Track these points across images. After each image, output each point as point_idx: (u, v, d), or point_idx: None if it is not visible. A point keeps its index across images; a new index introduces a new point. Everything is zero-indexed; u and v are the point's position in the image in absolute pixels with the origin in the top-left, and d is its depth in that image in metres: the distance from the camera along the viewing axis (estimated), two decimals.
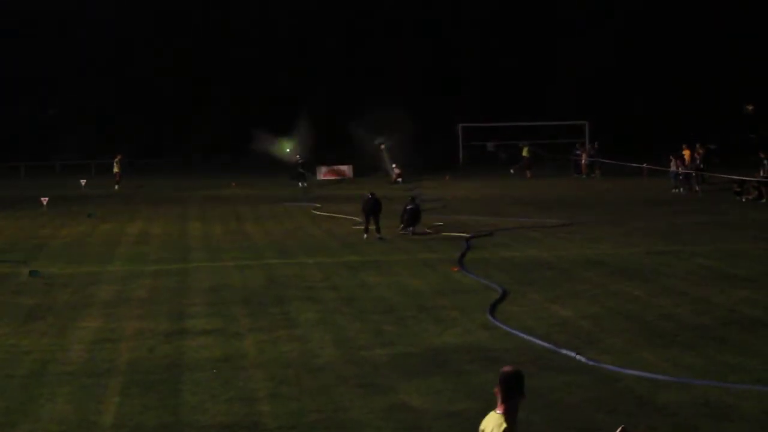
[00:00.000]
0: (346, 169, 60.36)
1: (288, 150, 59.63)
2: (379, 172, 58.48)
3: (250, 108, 75.14)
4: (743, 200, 39.32)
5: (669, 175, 45.83)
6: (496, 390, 6.94)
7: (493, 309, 18.38)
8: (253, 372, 14.45)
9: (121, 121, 76.00)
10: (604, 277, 21.85)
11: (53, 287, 21.85)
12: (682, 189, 44.24)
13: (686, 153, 46.35)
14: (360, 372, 14.32)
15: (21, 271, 23.97)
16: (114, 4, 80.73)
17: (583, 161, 57.00)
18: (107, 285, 22.13)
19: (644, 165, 49.77)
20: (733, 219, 33.25)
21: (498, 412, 6.90)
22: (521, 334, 16.30)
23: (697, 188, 43.71)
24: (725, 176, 43.36)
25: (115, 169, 54.25)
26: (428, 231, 30.93)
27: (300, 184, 53.95)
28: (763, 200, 38.56)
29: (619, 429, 6.86)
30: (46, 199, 40.70)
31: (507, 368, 7.01)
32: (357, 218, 33.34)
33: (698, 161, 45.48)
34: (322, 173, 59.47)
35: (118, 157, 54.68)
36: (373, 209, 29.43)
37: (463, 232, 29.99)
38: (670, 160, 45.82)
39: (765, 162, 41.42)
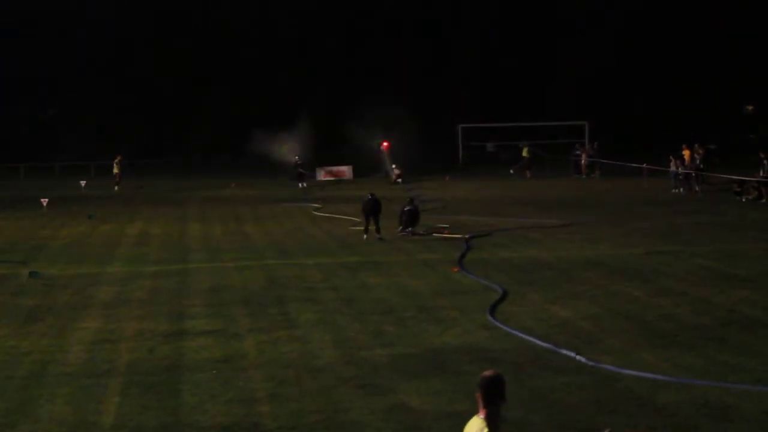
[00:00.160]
0: (345, 169, 60.35)
1: (284, 150, 59.59)
2: (379, 172, 58.52)
3: (250, 108, 75.19)
4: (743, 200, 39.32)
5: (669, 176, 45.83)
6: (477, 395, 6.90)
7: (493, 309, 18.38)
8: (252, 373, 14.45)
9: (121, 121, 76.03)
10: (603, 278, 21.85)
11: (53, 288, 21.85)
12: (681, 189, 44.25)
13: (686, 153, 46.36)
14: (360, 373, 14.32)
15: (21, 272, 23.97)
16: (114, 4, 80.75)
17: (582, 161, 57.02)
18: (107, 286, 22.13)
19: (644, 165, 49.75)
20: (732, 219, 33.25)
21: (480, 416, 6.86)
22: (521, 335, 16.30)
23: (696, 188, 43.72)
24: (725, 176, 43.37)
25: (115, 170, 54.28)
26: (444, 228, 31.06)
27: (300, 184, 53.97)
28: (763, 200, 38.56)
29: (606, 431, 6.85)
30: (46, 200, 40.72)
31: (488, 373, 6.96)
32: (356, 219, 33.36)
33: (698, 161, 45.49)
34: (322, 174, 59.47)
35: (118, 158, 54.72)
36: (373, 210, 29.43)
37: (461, 233, 29.98)
38: (670, 161, 45.84)
39: (765, 162, 41.43)
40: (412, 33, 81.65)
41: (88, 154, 67.59)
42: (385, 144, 61.10)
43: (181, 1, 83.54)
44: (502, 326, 16.99)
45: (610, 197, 42.49)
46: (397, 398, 13.03)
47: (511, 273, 22.72)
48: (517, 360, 14.82)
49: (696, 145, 46.58)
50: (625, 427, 11.76)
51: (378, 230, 29.26)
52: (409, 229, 30.25)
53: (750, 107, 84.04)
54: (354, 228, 32.20)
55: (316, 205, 40.73)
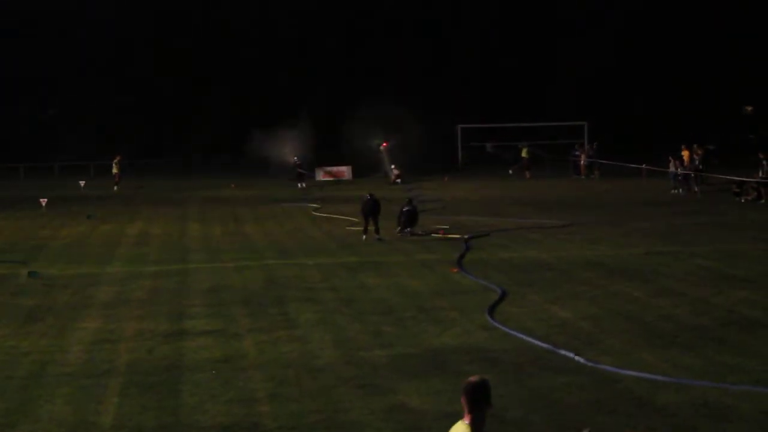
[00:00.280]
0: (345, 169, 60.35)
1: (285, 151, 59.64)
2: (379, 172, 58.53)
3: (250, 108, 75.18)
4: (742, 201, 39.33)
5: (668, 176, 45.85)
6: (463, 400, 6.89)
7: (492, 310, 18.39)
8: (252, 373, 14.46)
9: (121, 121, 76.01)
10: (603, 278, 21.86)
11: (53, 288, 21.86)
12: (680, 190, 44.26)
13: (685, 154, 46.37)
14: (360, 373, 14.33)
15: (20, 272, 23.98)
16: (114, 4, 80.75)
17: (582, 162, 57.02)
18: (107, 286, 22.14)
19: (643, 166, 49.79)
20: (732, 220, 33.26)
21: (465, 422, 6.85)
22: (520, 335, 16.31)
23: (695, 189, 43.73)
24: (724, 177, 43.38)
25: (114, 170, 54.30)
26: (440, 229, 31.06)
27: (299, 184, 54.03)
28: (762, 201, 38.57)
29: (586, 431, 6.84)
30: (45, 200, 40.73)
31: (473, 378, 6.94)
32: (355, 219, 33.38)
33: (697, 162, 45.50)
34: (321, 174, 59.47)
35: (117, 158, 54.74)
36: (372, 210, 29.42)
37: (460, 234, 29.99)
38: (669, 161, 45.85)
39: (764, 162, 41.43)
40: (412, 33, 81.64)
41: (88, 154, 67.59)
42: (384, 144, 61.13)
43: (181, 1, 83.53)
44: (501, 327, 17.00)
45: (610, 198, 42.50)
46: (396, 398, 13.04)
47: (511, 273, 22.73)
48: (517, 360, 14.84)
49: (695, 146, 46.59)
50: (624, 428, 11.77)
51: (377, 231, 29.26)
52: (408, 229, 30.25)
53: (749, 108, 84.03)
54: (351, 228, 32.22)
55: (315, 206, 40.76)
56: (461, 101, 74.94)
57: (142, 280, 22.88)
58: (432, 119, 64.70)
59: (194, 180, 59.37)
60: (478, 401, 6.82)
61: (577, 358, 14.73)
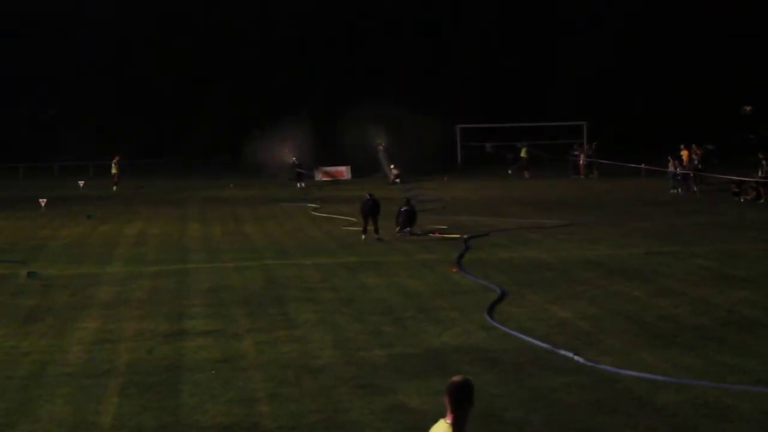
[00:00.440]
0: (344, 169, 60.36)
1: (283, 152, 59.70)
2: (378, 172, 58.55)
3: (250, 108, 75.18)
4: (741, 201, 39.34)
5: (667, 176, 45.86)
6: (446, 399, 6.90)
7: (491, 310, 18.39)
8: (252, 373, 14.46)
9: (121, 121, 75.98)
10: (603, 278, 21.86)
11: (52, 288, 21.86)
12: (680, 189, 44.26)
13: (684, 153, 46.38)
14: (359, 373, 14.32)
15: (20, 272, 23.97)
16: (114, 4, 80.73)
17: (581, 162, 57.03)
18: (106, 286, 22.14)
19: (642, 165, 49.79)
20: (731, 219, 33.26)
21: (447, 421, 6.87)
22: (520, 335, 16.31)
23: (695, 189, 43.74)
24: (724, 177, 43.38)
25: (114, 170, 54.30)
26: (438, 229, 31.06)
27: (298, 184, 54.05)
28: (762, 201, 38.57)
29: None
30: (44, 200, 40.73)
31: (456, 378, 6.96)
32: (353, 219, 33.40)
33: (696, 162, 45.51)
34: (320, 174, 59.48)
35: (117, 158, 54.75)
36: (371, 210, 29.42)
37: (460, 233, 30.00)
38: (668, 161, 45.86)
39: (764, 162, 41.45)
40: (412, 33, 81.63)
41: (88, 154, 67.61)
42: (383, 144, 61.16)
43: (181, 1, 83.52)
44: (500, 326, 17.00)
45: (609, 197, 42.51)
46: (396, 398, 13.04)
47: (511, 273, 22.73)
48: (517, 360, 14.84)
49: (694, 146, 46.60)
50: (624, 428, 11.78)
51: (376, 231, 29.26)
52: (407, 229, 30.26)
53: (748, 108, 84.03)
54: (348, 228, 32.23)
55: (315, 205, 40.76)
56: (461, 101, 74.91)
57: (141, 280, 22.88)
58: (431, 119, 64.70)
59: (194, 180, 59.38)
60: (461, 401, 6.85)
61: (576, 358, 14.72)
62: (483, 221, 33.73)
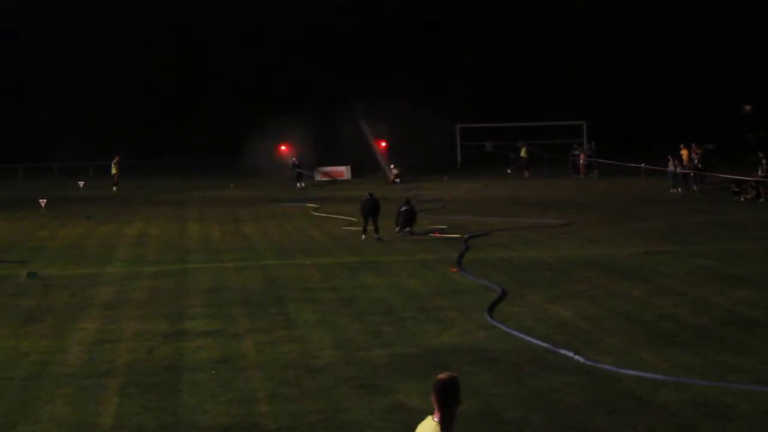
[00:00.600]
0: (343, 169, 60.37)
1: (283, 151, 59.75)
2: (378, 172, 58.55)
3: (250, 108, 75.18)
4: (741, 200, 39.33)
5: (667, 175, 45.86)
6: (432, 397, 6.88)
7: (491, 309, 18.39)
8: (252, 373, 14.45)
9: (121, 121, 76.00)
10: (603, 278, 21.85)
11: (52, 289, 21.85)
12: (680, 189, 44.26)
13: (684, 153, 46.39)
14: (359, 373, 14.32)
15: (20, 272, 23.96)
16: (114, 4, 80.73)
17: (581, 161, 57.03)
18: (106, 286, 22.14)
19: (642, 165, 49.79)
20: (731, 219, 33.25)
21: (435, 419, 6.85)
22: (520, 335, 16.30)
23: (695, 188, 43.74)
24: (723, 176, 43.38)
25: (113, 171, 54.30)
26: (437, 229, 31.05)
27: (298, 184, 54.06)
28: (761, 200, 38.57)
29: None
30: (44, 200, 40.73)
31: (443, 375, 6.94)
32: (353, 218, 33.40)
33: (696, 161, 45.51)
34: (320, 174, 59.50)
35: (116, 158, 54.75)
36: (371, 210, 29.42)
37: (459, 233, 30.00)
38: (668, 160, 45.87)
39: (764, 162, 41.45)
40: (412, 33, 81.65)
41: (88, 154, 67.60)
42: (382, 144, 61.17)
43: (181, 1, 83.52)
44: (500, 326, 17.00)
45: (609, 197, 42.50)
46: (396, 398, 13.03)
47: (511, 273, 22.72)
48: (517, 360, 14.83)
49: (693, 145, 46.61)
50: (624, 427, 11.77)
51: (376, 230, 29.26)
52: (407, 229, 30.25)
53: (748, 107, 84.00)
54: (348, 228, 32.23)
55: (315, 205, 40.76)
56: (461, 101, 74.91)
57: (141, 280, 22.88)
58: (431, 119, 64.73)
59: (194, 180, 59.39)
60: (448, 399, 6.85)
61: (576, 357, 14.72)
62: (483, 221, 33.72)
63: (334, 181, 57.53)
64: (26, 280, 22.89)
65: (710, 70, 79.15)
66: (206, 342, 16.40)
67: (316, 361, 15.01)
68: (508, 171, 60.24)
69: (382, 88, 68.56)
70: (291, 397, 13.18)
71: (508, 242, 28.34)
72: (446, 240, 28.96)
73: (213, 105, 77.18)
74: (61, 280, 22.96)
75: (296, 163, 56.73)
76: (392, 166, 56.46)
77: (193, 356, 15.48)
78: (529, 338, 16.03)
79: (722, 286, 20.59)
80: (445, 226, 31.83)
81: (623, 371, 13.99)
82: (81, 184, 53.02)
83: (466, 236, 29.10)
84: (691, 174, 44.67)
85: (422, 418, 12.17)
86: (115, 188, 52.86)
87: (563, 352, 15.06)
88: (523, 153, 59.66)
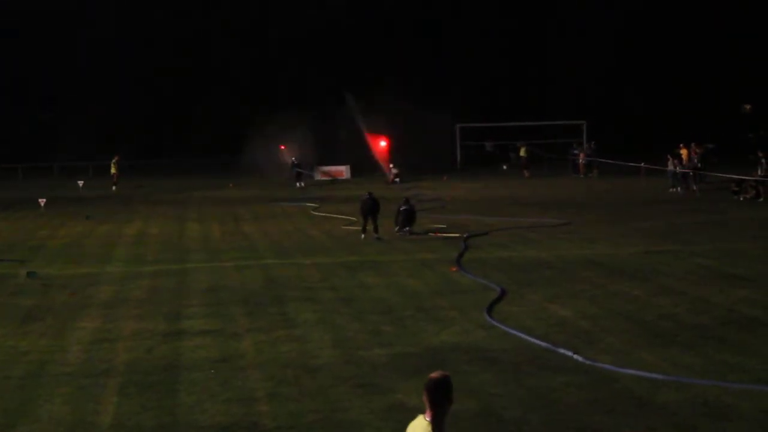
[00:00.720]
0: (343, 169, 60.40)
1: (283, 150, 59.79)
2: (377, 172, 58.56)
3: (250, 108, 75.20)
4: (741, 199, 39.33)
5: (667, 175, 45.86)
6: (424, 397, 6.83)
7: (490, 309, 18.37)
8: (251, 372, 14.44)
9: (121, 121, 76.03)
10: (602, 277, 21.84)
11: (51, 288, 21.85)
12: (679, 188, 44.26)
13: (683, 152, 46.40)
14: (359, 372, 14.31)
15: (19, 272, 23.95)
16: (114, 4, 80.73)
17: (580, 161, 57.04)
18: (105, 286, 22.13)
19: (642, 164, 49.80)
20: (731, 218, 33.24)
21: (426, 419, 6.81)
22: (519, 334, 16.29)
23: (694, 188, 43.74)
24: (723, 175, 43.39)
25: (113, 170, 54.32)
26: (437, 228, 31.04)
27: (297, 184, 54.08)
28: (761, 199, 38.58)
29: None
30: (44, 200, 40.74)
31: (435, 374, 6.87)
32: (352, 218, 33.41)
33: (696, 161, 45.52)
34: (320, 174, 59.52)
35: (116, 158, 54.78)
36: (371, 210, 29.42)
37: (459, 233, 29.99)
38: (668, 160, 45.87)
39: (763, 161, 41.45)
40: (412, 33, 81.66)
41: (87, 154, 67.63)
42: (382, 143, 61.18)
43: (181, 1, 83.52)
44: (500, 325, 16.99)
45: (609, 197, 42.50)
46: (395, 398, 13.02)
47: (510, 272, 22.71)
48: (516, 359, 14.82)
49: (693, 144, 46.60)
50: (624, 427, 11.75)
51: (376, 230, 29.25)
52: (407, 228, 30.24)
53: (747, 106, 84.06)
54: (347, 227, 32.23)
55: (314, 205, 40.76)
56: (460, 101, 74.95)
57: (140, 279, 22.87)
58: (431, 119, 64.77)
59: (194, 180, 59.38)
60: (440, 398, 6.79)
61: (576, 357, 14.70)
62: (482, 220, 33.71)
63: (333, 181, 57.54)
64: (26, 280, 22.88)
65: (710, 70, 79.20)
66: (205, 341, 16.38)
67: (316, 361, 15.00)
68: (504, 168, 60.34)
69: (382, 88, 68.62)
70: (290, 397, 13.16)
71: (507, 242, 28.32)
72: (446, 239, 28.95)
73: (213, 105, 77.21)
74: (60, 280, 22.96)
75: (296, 162, 56.76)
76: (391, 165, 56.47)
77: (192, 355, 15.47)
78: (528, 338, 16.02)
79: (722, 285, 20.58)
80: (445, 226, 31.82)
81: (622, 371, 13.98)
82: (80, 183, 53.03)
83: (465, 236, 29.09)
84: (691, 173, 44.67)
85: None
86: (114, 188, 52.87)
87: (562, 351, 15.04)
88: (522, 153, 59.68)
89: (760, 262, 23.61)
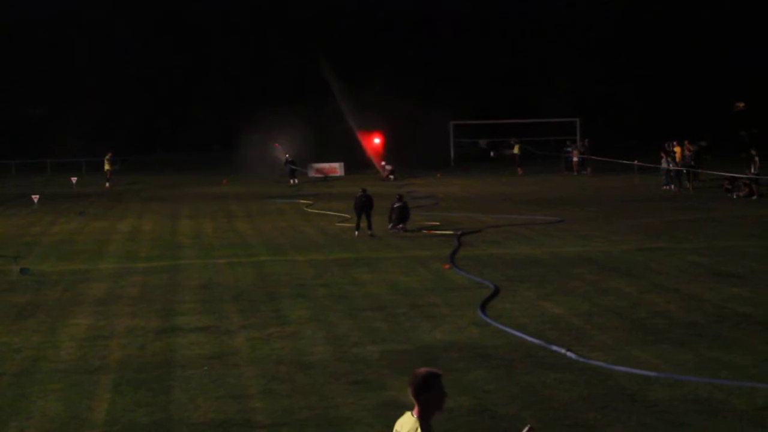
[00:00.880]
0: (337, 166, 60.39)
1: (278, 147, 59.80)
2: (371, 169, 58.56)
3: (248, 105, 75.20)
4: (734, 197, 39.38)
5: (660, 172, 45.91)
6: (410, 392, 6.78)
7: (483, 306, 18.39)
8: (244, 369, 14.44)
9: (116, 118, 75.96)
10: (595, 274, 21.87)
11: (44, 285, 21.81)
12: (672, 186, 44.32)
13: (677, 150, 46.45)
14: (352, 369, 14.31)
15: (12, 268, 23.89)
16: (114, 4, 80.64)
17: (574, 158, 57.09)
18: (98, 282, 22.10)
19: (635, 162, 49.86)
20: (724, 216, 33.28)
21: (414, 415, 6.78)
22: (512, 331, 16.30)
23: (687, 185, 43.80)
24: (716, 173, 43.45)
25: (106, 167, 54.27)
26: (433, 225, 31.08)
27: (291, 181, 54.04)
28: (754, 197, 38.65)
29: (526, 428, 6.70)
30: (37, 196, 40.67)
31: (421, 370, 6.78)
32: (345, 215, 33.41)
33: (689, 158, 45.57)
34: (313, 171, 59.50)
35: (109, 154, 54.74)
36: (365, 206, 29.41)
37: (452, 230, 30.00)
38: (662, 157, 45.92)
39: (756, 159, 41.52)
40: (409, 30, 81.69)
41: (81, 151, 67.56)
42: (376, 141, 61.18)
43: (182, 1, 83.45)
44: (493, 323, 17.00)
45: (602, 194, 42.55)
46: (388, 394, 13.03)
47: (503, 270, 22.72)
48: (509, 356, 14.83)
49: (686, 142, 46.67)
50: (616, 424, 11.77)
51: (370, 227, 29.25)
52: (400, 225, 30.24)
53: (740, 104, 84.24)
54: (341, 224, 32.22)
55: (307, 202, 40.75)
56: (455, 99, 75.01)
57: (133, 276, 22.84)
58: (425, 116, 64.82)
59: (187, 176, 59.32)
60: (425, 393, 6.70)
61: (569, 354, 14.73)
62: (475, 217, 33.73)
63: (327, 178, 57.54)
64: (18, 276, 22.84)
65: (703, 68, 79.35)
66: (198, 338, 16.38)
67: (309, 357, 15.01)
68: (491, 154, 60.73)
69: (379, 85, 68.64)
70: (283, 393, 13.17)
71: (500, 239, 28.35)
72: (439, 237, 28.95)
73: (207, 101, 77.18)
74: (53, 276, 22.92)
75: (290, 159, 56.72)
76: (384, 162, 56.48)
77: (185, 352, 15.46)
78: (521, 335, 16.04)
79: (715, 282, 20.61)
80: (438, 223, 31.83)
81: (615, 368, 14.00)
82: (74, 180, 52.94)
83: (458, 233, 29.09)
84: (684, 171, 44.73)
85: None
86: (107, 184, 52.80)
87: (555, 348, 15.07)
88: (516, 150, 59.73)
89: (753, 259, 23.66)
